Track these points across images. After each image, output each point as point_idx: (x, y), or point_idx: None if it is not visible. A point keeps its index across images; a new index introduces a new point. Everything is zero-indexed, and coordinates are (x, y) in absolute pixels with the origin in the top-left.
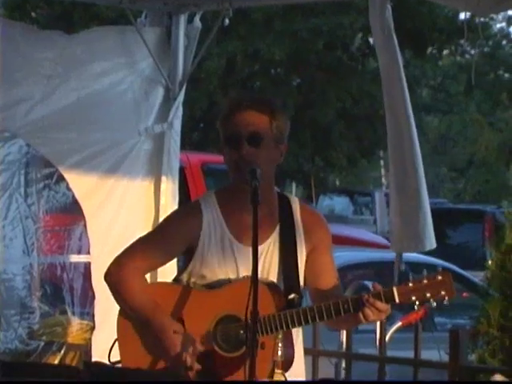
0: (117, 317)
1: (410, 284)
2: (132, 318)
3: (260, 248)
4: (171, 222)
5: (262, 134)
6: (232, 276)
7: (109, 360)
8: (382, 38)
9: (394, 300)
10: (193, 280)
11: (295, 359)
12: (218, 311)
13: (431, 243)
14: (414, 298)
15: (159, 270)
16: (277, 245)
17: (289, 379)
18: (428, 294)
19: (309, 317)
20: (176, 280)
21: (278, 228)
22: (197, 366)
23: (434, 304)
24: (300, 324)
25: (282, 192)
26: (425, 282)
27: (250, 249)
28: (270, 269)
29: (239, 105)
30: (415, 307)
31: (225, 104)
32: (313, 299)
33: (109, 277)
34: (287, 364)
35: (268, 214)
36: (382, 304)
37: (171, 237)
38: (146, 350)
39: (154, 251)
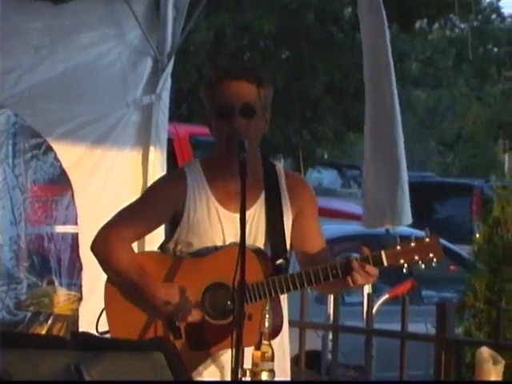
0: (104, 285)
1: (398, 247)
2: (120, 284)
3: (246, 214)
4: (156, 190)
5: (253, 105)
6: (218, 243)
7: (96, 330)
8: (370, 12)
9: (383, 263)
10: (179, 248)
11: (285, 325)
12: (206, 279)
13: (408, 218)
14: (402, 260)
15: (147, 237)
16: (263, 211)
17: (275, 347)
18: (416, 257)
19: (297, 282)
20: (162, 248)
21: (263, 194)
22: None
23: (423, 266)
24: (289, 290)
25: (266, 158)
26: (413, 244)
27: (236, 215)
28: (256, 235)
29: (228, 75)
30: (404, 270)
31: (212, 73)
32: (301, 263)
33: (95, 247)
34: (275, 331)
35: (253, 181)
36: (370, 267)
37: (156, 204)
38: (135, 317)
39: (140, 219)
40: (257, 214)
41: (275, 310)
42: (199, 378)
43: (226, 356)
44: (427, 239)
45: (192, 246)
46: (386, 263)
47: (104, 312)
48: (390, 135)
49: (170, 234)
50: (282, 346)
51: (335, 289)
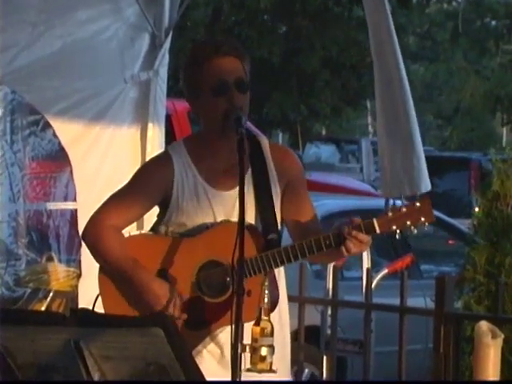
0: (97, 274)
1: (390, 213)
2: (113, 275)
3: (234, 192)
4: (142, 174)
5: (244, 79)
6: (209, 222)
7: None
8: None
9: (375, 230)
10: (171, 229)
11: (280, 301)
12: (200, 258)
13: (426, 185)
14: (394, 226)
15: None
16: (251, 187)
17: (274, 322)
18: (408, 222)
19: (291, 255)
20: (154, 230)
21: (250, 170)
22: (183, 316)
23: (415, 231)
24: (283, 263)
25: (249, 133)
26: (404, 210)
27: (225, 193)
28: (246, 210)
29: (216, 51)
30: (396, 236)
31: (196, 51)
32: (292, 235)
33: (86, 237)
34: (272, 305)
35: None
36: (363, 235)
37: (144, 188)
38: (130, 305)
39: (129, 205)
40: (245, 190)
41: (270, 286)
42: (199, 357)
43: (225, 333)
44: (418, 203)
45: (184, 227)
46: (378, 230)
47: (100, 298)
48: (400, 107)
49: (160, 216)
50: (280, 321)
51: (329, 258)
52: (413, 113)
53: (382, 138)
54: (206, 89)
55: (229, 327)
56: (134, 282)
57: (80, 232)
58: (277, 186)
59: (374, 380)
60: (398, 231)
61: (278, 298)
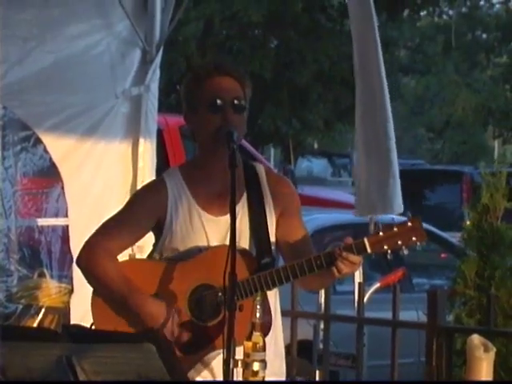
0: (91, 299)
1: (381, 233)
2: (108, 300)
3: (228, 217)
4: (137, 200)
5: (241, 100)
6: (202, 245)
7: None
8: (358, 1)
9: (366, 251)
10: (165, 255)
11: (275, 324)
12: (192, 282)
13: (399, 206)
14: (385, 247)
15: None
16: (246, 211)
17: (270, 345)
18: (399, 242)
19: (282, 276)
20: (149, 258)
21: (245, 194)
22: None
23: (406, 252)
24: (274, 285)
25: (246, 159)
26: (395, 229)
27: (219, 218)
28: (240, 235)
29: (217, 70)
30: (387, 256)
31: (199, 69)
32: (286, 258)
33: (81, 262)
34: (265, 330)
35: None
36: (354, 256)
37: (138, 214)
38: (124, 327)
39: (123, 231)
40: (240, 214)
41: (263, 310)
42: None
43: (218, 358)
44: (409, 223)
45: (177, 252)
46: (369, 250)
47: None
48: (380, 124)
49: (155, 243)
50: (276, 346)
51: (322, 281)
52: (392, 131)
53: (361, 157)
54: (203, 105)
55: (221, 351)
56: (130, 303)
57: (72, 248)
58: (272, 212)
59: None
60: (389, 251)
61: (270, 323)
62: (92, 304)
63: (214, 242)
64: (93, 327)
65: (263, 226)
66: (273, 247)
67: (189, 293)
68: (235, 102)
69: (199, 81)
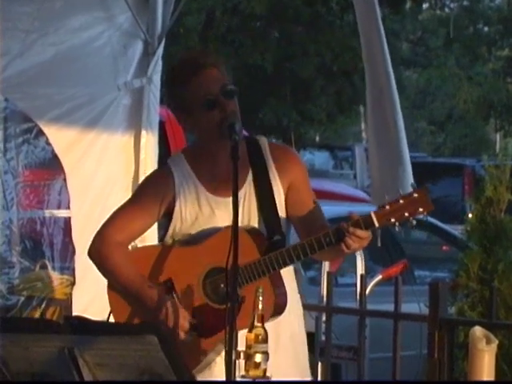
0: (106, 290)
1: (387, 207)
2: (122, 292)
3: (232, 212)
4: (144, 188)
5: (227, 84)
6: (212, 228)
7: None
8: None
9: (374, 225)
10: (177, 240)
11: (291, 303)
12: (205, 265)
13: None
14: (393, 219)
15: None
16: (252, 190)
17: (285, 317)
18: (406, 213)
19: (293, 255)
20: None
21: (250, 173)
22: (193, 321)
23: (414, 222)
24: (285, 264)
25: (248, 135)
26: (401, 201)
27: (227, 199)
28: (250, 215)
29: (194, 70)
30: (396, 228)
31: (176, 70)
32: (299, 233)
33: (93, 254)
34: (279, 308)
35: (239, 161)
36: (362, 231)
37: (147, 202)
38: (141, 319)
39: (133, 220)
40: (247, 194)
41: (278, 289)
42: (213, 365)
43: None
44: (415, 194)
45: (189, 236)
46: (377, 224)
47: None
48: (390, 116)
49: (166, 229)
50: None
51: (331, 255)
52: (401, 122)
53: (373, 146)
54: (196, 106)
55: (240, 331)
56: (143, 299)
57: (74, 240)
58: (279, 187)
59: None
60: (396, 224)
61: (285, 297)
62: (109, 297)
63: (223, 223)
64: (111, 316)
65: (271, 203)
66: (282, 223)
67: (202, 277)
68: (224, 89)
69: (181, 85)
